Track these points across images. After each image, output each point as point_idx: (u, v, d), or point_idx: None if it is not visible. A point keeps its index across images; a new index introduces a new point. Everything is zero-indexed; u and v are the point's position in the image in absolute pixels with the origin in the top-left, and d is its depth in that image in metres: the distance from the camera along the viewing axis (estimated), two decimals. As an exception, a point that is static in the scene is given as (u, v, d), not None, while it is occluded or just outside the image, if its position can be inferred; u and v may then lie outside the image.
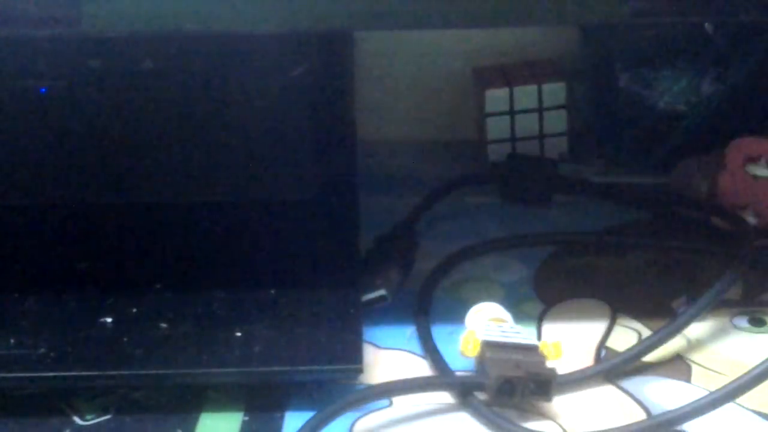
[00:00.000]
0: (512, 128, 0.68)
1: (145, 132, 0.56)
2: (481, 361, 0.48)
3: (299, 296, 0.50)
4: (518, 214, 0.63)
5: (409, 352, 0.51)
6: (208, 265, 0.53)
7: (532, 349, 0.48)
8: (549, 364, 0.47)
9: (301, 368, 0.46)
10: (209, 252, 0.54)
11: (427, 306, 0.54)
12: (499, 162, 0.66)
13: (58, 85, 0.55)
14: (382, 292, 0.53)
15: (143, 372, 0.45)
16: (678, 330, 0.50)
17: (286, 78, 0.57)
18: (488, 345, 0.47)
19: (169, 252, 0.54)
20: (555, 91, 0.68)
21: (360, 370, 0.47)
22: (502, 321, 0.49)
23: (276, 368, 0.46)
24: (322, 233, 0.56)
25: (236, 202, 0.57)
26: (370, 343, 0.51)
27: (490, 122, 0.68)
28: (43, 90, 0.55)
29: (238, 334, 0.47)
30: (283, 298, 0.50)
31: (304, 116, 0.58)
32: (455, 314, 0.52)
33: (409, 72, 0.71)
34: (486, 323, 0.49)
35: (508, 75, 0.68)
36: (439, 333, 0.52)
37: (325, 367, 0.46)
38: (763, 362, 0.45)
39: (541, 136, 0.68)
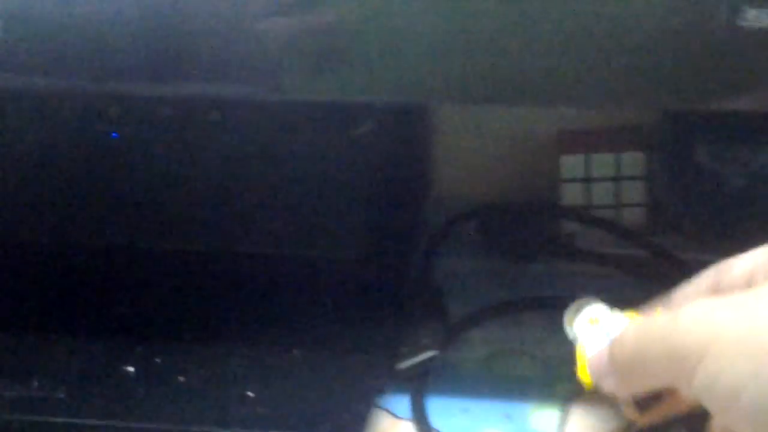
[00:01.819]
0: (589, 195, 0.66)
1: (202, 181, 0.57)
2: None
3: (322, 359, 0.50)
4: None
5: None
6: (241, 320, 0.53)
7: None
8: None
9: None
10: (247, 306, 0.54)
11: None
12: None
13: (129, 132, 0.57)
14: (433, 352, 0.52)
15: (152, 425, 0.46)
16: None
17: (349, 137, 0.57)
18: None
19: (206, 303, 0.55)
20: (633, 160, 0.65)
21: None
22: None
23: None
24: (366, 294, 0.56)
25: (287, 256, 0.58)
26: (388, 412, 0.51)
27: (566, 188, 0.66)
28: (115, 135, 0.57)
29: (251, 394, 0.48)
30: (306, 360, 0.50)
31: (365, 175, 0.58)
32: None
33: (493, 133, 0.71)
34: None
35: (587, 141, 0.66)
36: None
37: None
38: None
39: (619, 206, 0.66)
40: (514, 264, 0.62)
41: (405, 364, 0.50)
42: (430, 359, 0.51)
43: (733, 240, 0.61)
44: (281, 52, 0.43)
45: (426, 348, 0.52)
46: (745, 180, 0.60)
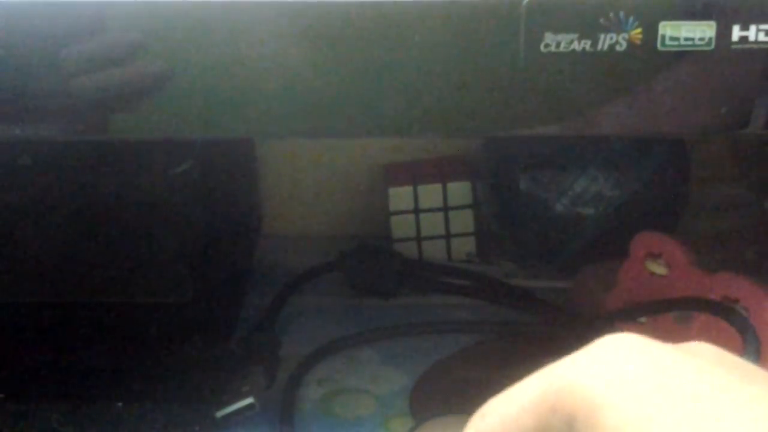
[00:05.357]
0: (417, 227, 0.66)
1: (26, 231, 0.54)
2: None
3: (145, 410, 0.48)
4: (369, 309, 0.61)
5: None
6: (61, 372, 0.51)
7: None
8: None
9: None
10: (68, 358, 0.52)
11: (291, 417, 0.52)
12: (348, 252, 0.63)
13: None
14: (249, 400, 0.51)
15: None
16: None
17: (168, 176, 0.55)
18: None
19: (27, 355, 0.52)
20: (460, 190, 0.66)
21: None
22: None
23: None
24: (191, 339, 0.54)
25: (109, 303, 0.55)
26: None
27: (395, 221, 0.66)
28: None
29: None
30: (128, 412, 0.48)
31: (189, 215, 0.56)
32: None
33: (320, 167, 0.70)
34: None
35: (414, 173, 0.66)
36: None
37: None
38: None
39: (448, 236, 0.66)
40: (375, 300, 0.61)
41: (222, 412, 0.48)
42: (249, 407, 0.50)
43: (561, 266, 0.63)
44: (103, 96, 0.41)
45: (245, 395, 0.50)
46: (566, 204, 0.61)
